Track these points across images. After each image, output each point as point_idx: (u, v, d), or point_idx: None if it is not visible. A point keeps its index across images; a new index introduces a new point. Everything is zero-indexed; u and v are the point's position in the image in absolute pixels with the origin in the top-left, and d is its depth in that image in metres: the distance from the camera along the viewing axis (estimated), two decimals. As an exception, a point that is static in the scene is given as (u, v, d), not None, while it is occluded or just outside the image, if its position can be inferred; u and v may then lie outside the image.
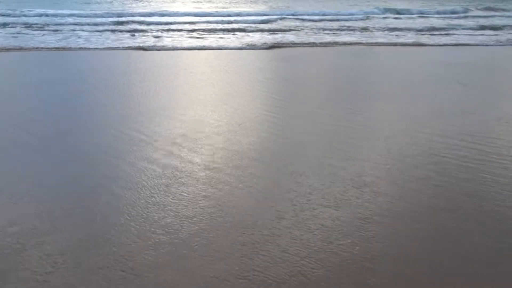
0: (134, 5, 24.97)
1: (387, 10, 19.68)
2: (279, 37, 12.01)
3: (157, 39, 11.57)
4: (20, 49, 9.97)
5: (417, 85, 6.73)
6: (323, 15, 17.66)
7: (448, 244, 2.61)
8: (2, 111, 5.28)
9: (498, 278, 2.33)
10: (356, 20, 16.47)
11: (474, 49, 10.75)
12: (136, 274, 2.31)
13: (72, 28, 13.28)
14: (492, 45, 11.26)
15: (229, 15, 17.12)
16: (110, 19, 15.24)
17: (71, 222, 2.81)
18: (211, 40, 11.54)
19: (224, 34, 12.66)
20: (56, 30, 12.87)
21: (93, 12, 17.55)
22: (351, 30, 13.64)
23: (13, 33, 12.33)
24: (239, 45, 10.67)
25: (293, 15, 17.48)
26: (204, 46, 10.58)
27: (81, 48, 10.17)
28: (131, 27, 13.85)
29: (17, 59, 9.05)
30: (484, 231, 2.74)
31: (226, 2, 26.86)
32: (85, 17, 15.96)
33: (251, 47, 10.49)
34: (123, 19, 15.41)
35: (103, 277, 2.29)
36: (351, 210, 2.96)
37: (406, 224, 2.82)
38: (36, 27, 13.60)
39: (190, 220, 2.82)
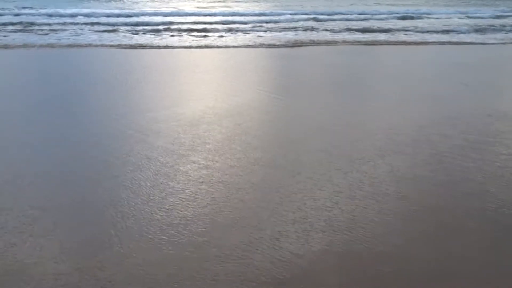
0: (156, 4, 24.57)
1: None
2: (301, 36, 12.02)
3: (160, 37, 11.65)
4: (25, 46, 10.04)
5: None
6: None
7: (449, 243, 2.59)
8: None
9: (499, 278, 2.31)
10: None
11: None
12: (136, 274, 2.32)
13: (76, 27, 13.33)
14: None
15: (257, 15, 16.95)
16: (120, 19, 15.18)
17: (70, 222, 2.81)
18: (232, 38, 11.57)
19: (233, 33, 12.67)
20: (63, 30, 12.91)
21: (97, 11, 17.57)
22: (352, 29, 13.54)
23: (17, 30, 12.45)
24: (250, 43, 10.69)
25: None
26: (211, 45, 10.59)
27: (87, 45, 10.24)
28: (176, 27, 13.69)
29: (18, 56, 9.10)
30: (485, 230, 2.72)
31: (242, 2, 26.49)
32: (90, 16, 15.96)
33: (271, 45, 10.48)
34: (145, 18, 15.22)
35: (105, 277, 2.29)
36: (351, 210, 2.94)
37: (406, 223, 2.80)
38: (40, 24, 13.70)
39: (189, 219, 2.82)
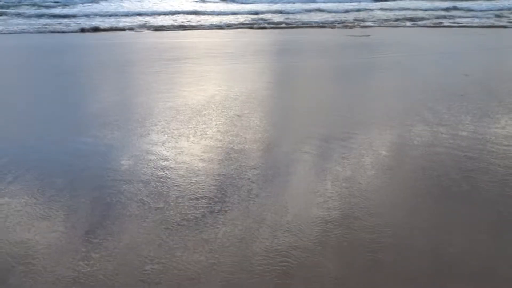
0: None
1: None
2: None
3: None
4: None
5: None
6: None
7: (451, 236, 2.57)
8: None
9: (501, 272, 2.29)
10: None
11: None
12: (135, 272, 2.29)
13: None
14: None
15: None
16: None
17: (70, 221, 2.77)
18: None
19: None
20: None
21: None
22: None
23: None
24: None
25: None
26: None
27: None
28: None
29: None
30: (487, 224, 2.70)
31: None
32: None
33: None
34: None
35: (106, 275, 2.27)
36: (351, 202, 2.91)
37: (406, 215, 2.78)
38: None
39: (188, 216, 2.78)
